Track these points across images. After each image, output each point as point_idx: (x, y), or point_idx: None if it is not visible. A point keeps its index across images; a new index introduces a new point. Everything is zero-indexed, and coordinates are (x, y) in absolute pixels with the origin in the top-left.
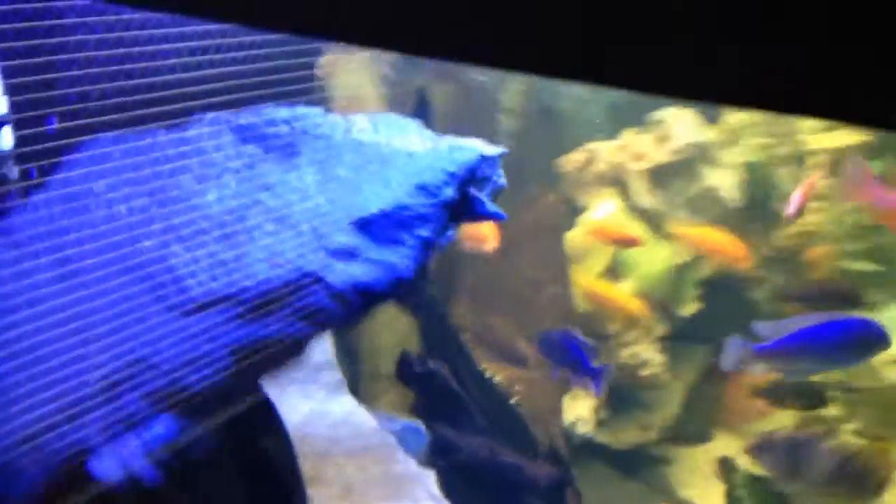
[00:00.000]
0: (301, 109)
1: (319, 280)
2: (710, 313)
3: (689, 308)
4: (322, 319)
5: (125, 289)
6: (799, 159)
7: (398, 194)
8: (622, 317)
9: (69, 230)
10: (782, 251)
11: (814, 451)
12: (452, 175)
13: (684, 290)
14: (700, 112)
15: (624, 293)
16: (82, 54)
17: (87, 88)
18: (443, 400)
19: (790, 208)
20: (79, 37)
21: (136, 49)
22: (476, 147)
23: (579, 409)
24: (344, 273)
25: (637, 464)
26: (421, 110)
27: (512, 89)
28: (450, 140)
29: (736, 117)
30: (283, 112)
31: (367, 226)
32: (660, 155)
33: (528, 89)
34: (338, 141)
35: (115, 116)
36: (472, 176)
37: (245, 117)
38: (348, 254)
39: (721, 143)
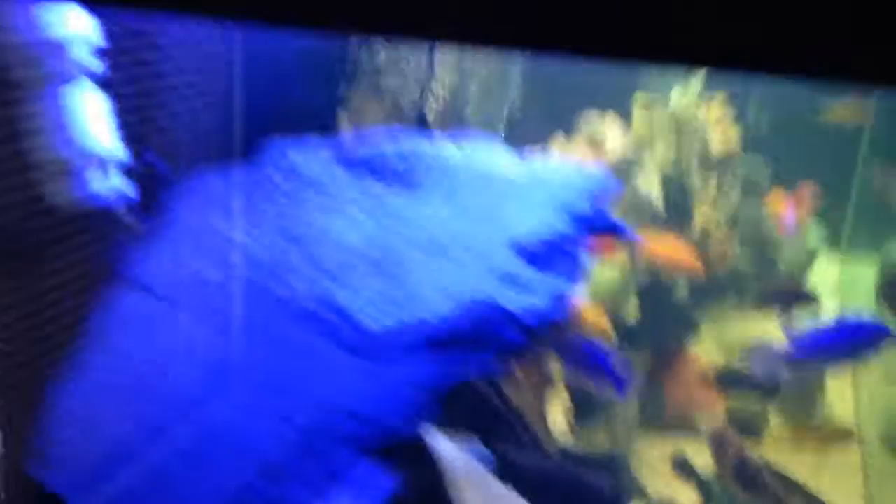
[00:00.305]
0: (400, 135)
1: (498, 310)
2: (645, 316)
3: (631, 313)
4: (506, 350)
5: (293, 333)
6: (704, 162)
7: (545, 218)
8: (588, 329)
9: (210, 276)
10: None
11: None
12: (588, 195)
13: (626, 296)
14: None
15: (585, 305)
16: (188, 93)
17: (192, 125)
18: (491, 419)
19: (786, 227)
20: (184, 75)
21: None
22: (593, 167)
23: (555, 418)
24: (519, 301)
25: (608, 467)
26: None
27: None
28: (548, 160)
29: (643, 124)
30: (386, 139)
31: (526, 252)
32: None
33: (439, 102)
34: (449, 166)
35: (211, 152)
36: (600, 195)
37: (343, 145)
38: (518, 282)
39: (640, 148)
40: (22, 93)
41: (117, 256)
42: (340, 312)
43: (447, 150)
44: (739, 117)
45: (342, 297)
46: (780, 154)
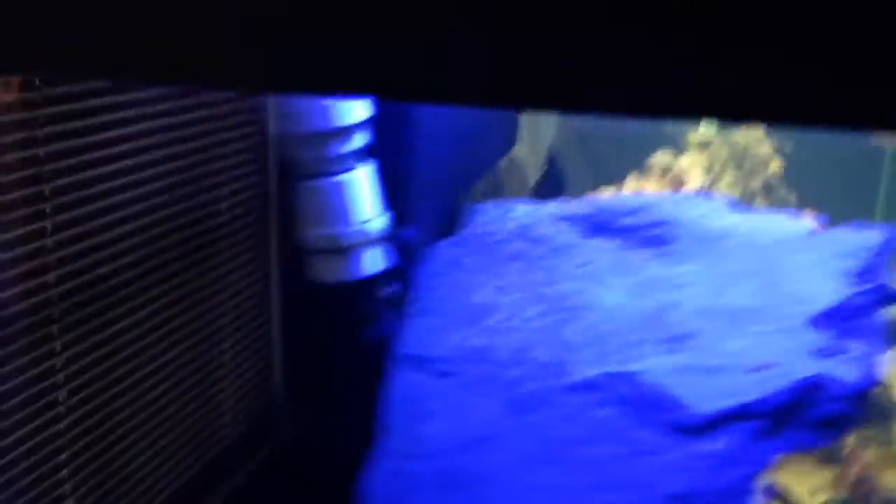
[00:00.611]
0: (639, 196)
1: (819, 381)
2: None
3: None
4: (833, 421)
5: (598, 409)
6: (767, 189)
7: (835, 284)
8: None
9: (487, 349)
10: None
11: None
12: (874, 258)
13: None
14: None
15: None
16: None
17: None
18: None
19: None
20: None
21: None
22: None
23: None
24: (837, 371)
25: None
26: (553, 177)
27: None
28: (797, 219)
29: (702, 156)
30: (622, 201)
31: (828, 320)
32: None
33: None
34: (688, 226)
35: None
36: (885, 258)
37: (575, 208)
38: (830, 352)
39: (712, 183)
40: (305, 177)
41: (387, 331)
42: (653, 389)
43: (685, 210)
44: (785, 145)
45: (645, 371)
46: (827, 177)
